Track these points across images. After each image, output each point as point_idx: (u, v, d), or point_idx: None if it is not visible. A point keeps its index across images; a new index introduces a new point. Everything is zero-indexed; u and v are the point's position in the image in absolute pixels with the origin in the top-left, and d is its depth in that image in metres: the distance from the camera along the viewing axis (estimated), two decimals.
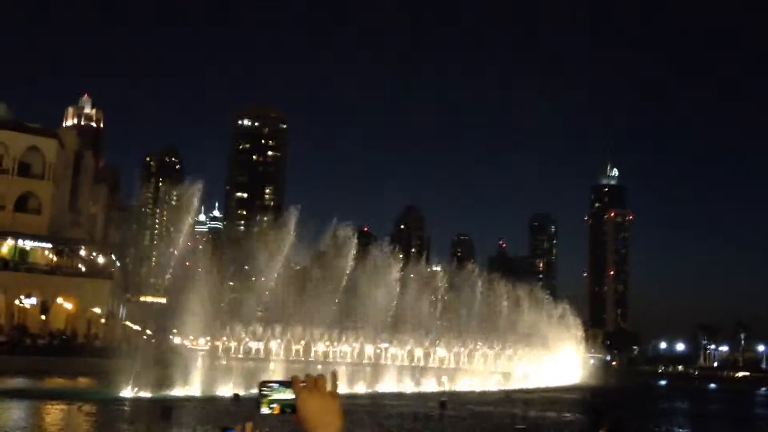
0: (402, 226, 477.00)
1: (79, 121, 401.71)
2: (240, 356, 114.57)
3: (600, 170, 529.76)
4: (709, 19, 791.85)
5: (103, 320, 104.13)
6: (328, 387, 3.51)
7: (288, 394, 3.52)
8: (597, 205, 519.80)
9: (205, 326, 70.70)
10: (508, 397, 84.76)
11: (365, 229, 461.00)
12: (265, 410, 3.61)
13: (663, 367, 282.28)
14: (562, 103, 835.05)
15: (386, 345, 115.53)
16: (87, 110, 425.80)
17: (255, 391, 3.75)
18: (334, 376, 3.60)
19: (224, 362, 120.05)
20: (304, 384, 3.51)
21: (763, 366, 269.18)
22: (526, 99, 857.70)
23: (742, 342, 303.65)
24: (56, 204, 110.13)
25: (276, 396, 3.56)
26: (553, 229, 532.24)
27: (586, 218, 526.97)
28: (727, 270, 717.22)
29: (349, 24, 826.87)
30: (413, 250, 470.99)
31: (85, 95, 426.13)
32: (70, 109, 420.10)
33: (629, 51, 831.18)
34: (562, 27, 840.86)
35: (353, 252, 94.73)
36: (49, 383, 65.84)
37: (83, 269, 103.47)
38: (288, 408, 3.50)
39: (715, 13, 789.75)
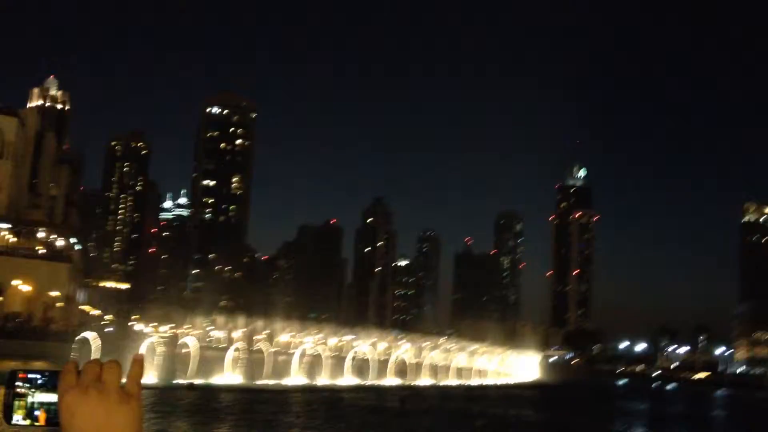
0: (369, 219, 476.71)
1: (44, 103, 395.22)
2: (202, 345, 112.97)
3: (567, 171, 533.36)
4: (680, 17, 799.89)
5: (60, 304, 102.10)
6: (121, 383, 2.35)
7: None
8: (563, 205, 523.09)
9: (168, 314, 69.12)
10: (467, 392, 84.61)
11: (333, 221, 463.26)
12: (18, 420, 2.29)
13: (623, 367, 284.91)
14: (533, 103, 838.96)
15: (350, 337, 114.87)
16: (52, 92, 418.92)
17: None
18: (137, 365, 2.40)
19: (184, 351, 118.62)
20: (77, 381, 2.28)
21: (721, 368, 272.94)
22: (497, 98, 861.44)
23: (702, 344, 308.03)
24: (15, 184, 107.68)
25: (41, 397, 2.29)
26: (518, 228, 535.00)
27: (551, 218, 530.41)
28: (688, 273, 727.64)
29: (324, 13, 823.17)
30: (380, 243, 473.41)
31: (51, 77, 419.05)
32: (35, 90, 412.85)
33: (601, 51, 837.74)
34: (535, 27, 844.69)
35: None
36: (1, 367, 64.13)
37: (41, 251, 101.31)
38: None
39: (689, 10, 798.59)
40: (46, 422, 2.26)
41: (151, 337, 74.29)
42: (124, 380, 2.32)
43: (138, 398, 2.32)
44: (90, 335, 63.38)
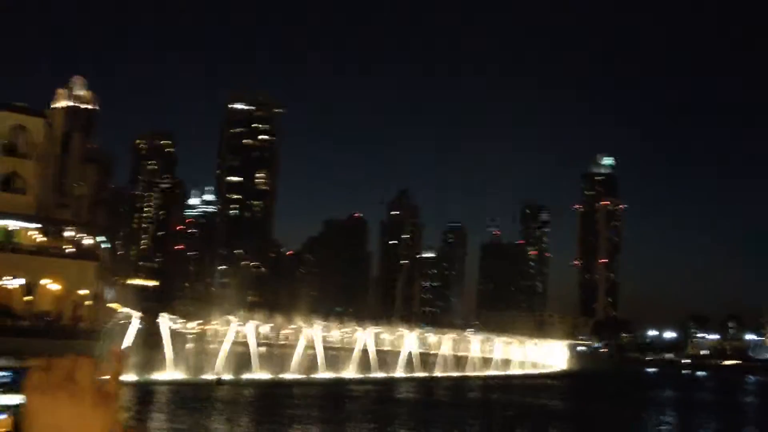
0: (395, 213, 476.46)
1: (70, 103, 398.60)
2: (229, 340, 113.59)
3: (593, 159, 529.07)
4: (709, 7, 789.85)
5: (88, 302, 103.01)
6: (96, 380, 2.01)
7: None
8: (589, 193, 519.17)
9: (195, 310, 69.49)
10: (497, 383, 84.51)
11: (357, 215, 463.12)
12: None
13: (653, 356, 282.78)
14: (558, 91, 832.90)
15: (377, 330, 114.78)
16: (79, 92, 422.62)
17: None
18: (116, 360, 2.03)
19: (212, 346, 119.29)
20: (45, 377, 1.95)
21: (751, 354, 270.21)
22: (520, 87, 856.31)
23: (731, 331, 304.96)
24: (42, 184, 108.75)
25: (4, 399, 1.69)
26: (545, 217, 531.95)
27: (578, 206, 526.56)
28: (717, 260, 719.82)
29: (347, 11, 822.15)
30: (406, 236, 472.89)
31: (78, 77, 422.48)
32: (62, 91, 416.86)
33: (627, 40, 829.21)
34: (560, 15, 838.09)
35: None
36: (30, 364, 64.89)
37: (69, 251, 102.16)
38: None
39: (715, 3, 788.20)
40: (14, 428, 1.65)
41: (136, 323, 74.14)
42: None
43: (115, 399, 1.94)
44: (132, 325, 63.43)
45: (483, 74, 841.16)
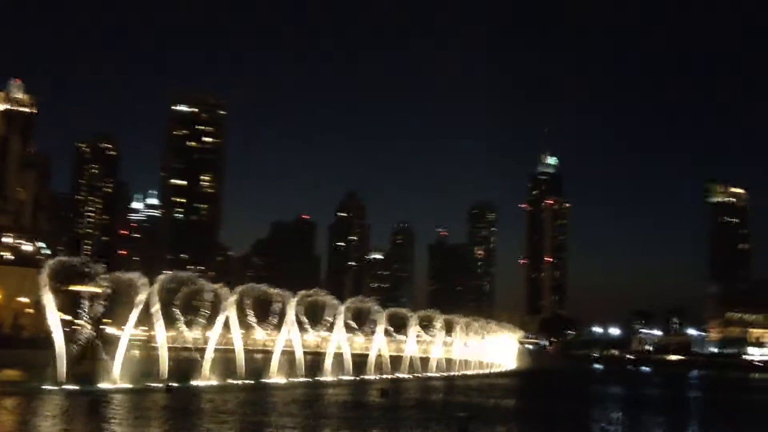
0: (343, 214, 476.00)
1: (8, 106, 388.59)
2: (176, 346, 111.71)
3: (538, 158, 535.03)
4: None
5: (30, 310, 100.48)
6: None
7: None
8: (535, 192, 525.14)
9: (140, 316, 68.12)
10: (448, 383, 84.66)
11: (305, 216, 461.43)
12: None
13: (598, 352, 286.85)
14: (503, 91, 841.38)
15: (326, 333, 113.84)
16: (17, 95, 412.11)
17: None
18: None
19: (158, 353, 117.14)
20: None
21: (694, 350, 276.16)
22: (468, 86, 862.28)
23: (675, 327, 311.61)
24: None
25: None
26: (492, 217, 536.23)
27: (524, 206, 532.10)
28: (661, 257, 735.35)
29: (292, 9, 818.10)
30: (354, 237, 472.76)
31: (16, 79, 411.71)
32: (0, 94, 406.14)
33: (574, 40, 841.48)
34: (510, 15, 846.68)
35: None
36: None
37: (9, 257, 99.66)
38: None
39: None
40: None
41: (134, 342, 73.08)
42: None
43: None
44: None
45: (432, 74, 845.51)
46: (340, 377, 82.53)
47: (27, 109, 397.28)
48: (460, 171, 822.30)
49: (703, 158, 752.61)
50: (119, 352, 60.09)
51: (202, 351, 72.24)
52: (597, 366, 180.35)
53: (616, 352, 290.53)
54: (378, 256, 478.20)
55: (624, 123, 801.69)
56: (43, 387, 50.86)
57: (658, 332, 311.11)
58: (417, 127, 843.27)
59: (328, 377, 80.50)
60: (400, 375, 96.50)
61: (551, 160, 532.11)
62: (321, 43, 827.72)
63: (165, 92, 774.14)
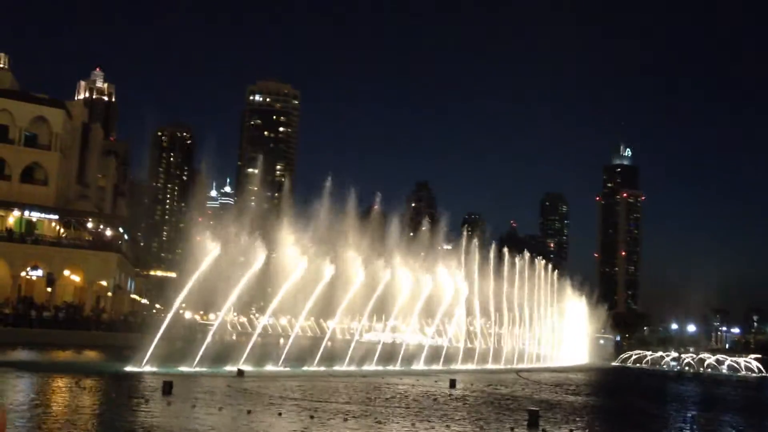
0: (413, 204, 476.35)
1: (90, 95, 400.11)
2: (250, 332, 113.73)
3: (613, 150, 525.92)
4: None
5: (110, 293, 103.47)
6: None
7: None
8: (609, 185, 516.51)
9: (215, 302, 69.30)
10: (518, 376, 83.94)
11: (374, 206, 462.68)
12: None
13: (674, 350, 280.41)
14: (577, 83, 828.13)
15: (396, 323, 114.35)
16: (99, 84, 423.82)
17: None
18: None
19: (233, 338, 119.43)
20: None
21: None
22: (541, 79, 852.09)
23: (755, 324, 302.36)
24: (63, 175, 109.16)
25: None
26: (564, 209, 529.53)
27: (597, 198, 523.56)
28: (739, 252, 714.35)
29: (368, 6, 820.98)
30: (424, 228, 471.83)
31: (97, 69, 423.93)
32: (82, 83, 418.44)
33: (647, 31, 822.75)
34: (585, 7, 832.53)
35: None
36: (55, 356, 65.14)
37: (90, 242, 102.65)
38: None
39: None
40: None
41: (208, 327, 74.74)
42: None
43: None
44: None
45: (499, 68, 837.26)
46: (411, 367, 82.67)
47: (107, 98, 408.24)
48: (534, 162, 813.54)
49: None
50: (207, 336, 61.69)
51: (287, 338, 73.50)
52: (672, 363, 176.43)
53: (692, 349, 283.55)
54: (448, 247, 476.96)
55: (706, 117, 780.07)
56: (123, 369, 52.21)
57: (736, 330, 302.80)
58: (490, 116, 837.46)
59: (398, 367, 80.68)
60: (471, 366, 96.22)
61: (627, 152, 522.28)
62: (401, 32, 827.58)
63: (239, 82, 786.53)
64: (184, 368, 54.86)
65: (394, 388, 53.93)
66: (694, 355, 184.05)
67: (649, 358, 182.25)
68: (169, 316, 59.55)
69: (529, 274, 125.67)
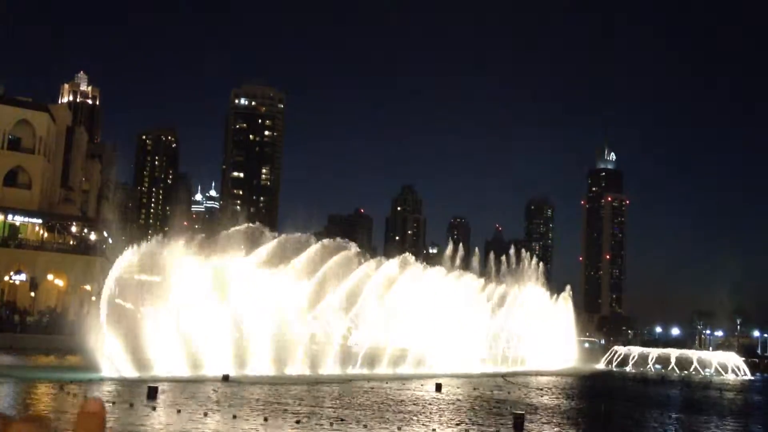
0: (398, 208, 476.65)
1: (74, 98, 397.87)
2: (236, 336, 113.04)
3: (597, 154, 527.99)
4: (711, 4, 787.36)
5: (94, 298, 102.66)
6: None
7: None
8: (594, 189, 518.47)
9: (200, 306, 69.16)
10: (504, 380, 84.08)
11: (361, 210, 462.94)
12: None
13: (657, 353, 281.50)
14: (561, 87, 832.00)
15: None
16: (83, 87, 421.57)
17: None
18: (87, 421, 1.45)
19: (219, 342, 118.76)
20: None
21: (759, 351, 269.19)
22: (524, 83, 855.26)
23: (738, 327, 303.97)
24: (47, 179, 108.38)
25: None
26: (549, 213, 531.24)
27: (582, 202, 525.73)
28: (723, 255, 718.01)
29: (350, 4, 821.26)
30: (409, 232, 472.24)
31: (81, 72, 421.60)
32: (66, 86, 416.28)
33: (628, 36, 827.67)
34: (565, 14, 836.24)
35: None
36: (37, 361, 64.68)
37: (74, 246, 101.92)
38: None
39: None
40: None
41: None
42: None
43: None
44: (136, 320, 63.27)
45: (484, 72, 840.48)
46: (396, 371, 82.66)
47: (91, 101, 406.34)
48: (519, 166, 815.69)
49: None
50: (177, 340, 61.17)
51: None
52: (657, 366, 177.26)
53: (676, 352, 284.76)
54: (434, 251, 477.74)
55: (690, 120, 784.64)
56: (105, 375, 51.89)
57: (720, 332, 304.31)
58: (473, 121, 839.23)
59: (385, 371, 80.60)
60: (456, 370, 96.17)
61: (611, 156, 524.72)
62: (380, 35, 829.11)
63: (223, 85, 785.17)
64: (170, 373, 54.67)
65: (381, 392, 53.93)
66: (677, 351, 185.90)
67: (635, 354, 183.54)
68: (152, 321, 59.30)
69: (516, 275, 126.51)
